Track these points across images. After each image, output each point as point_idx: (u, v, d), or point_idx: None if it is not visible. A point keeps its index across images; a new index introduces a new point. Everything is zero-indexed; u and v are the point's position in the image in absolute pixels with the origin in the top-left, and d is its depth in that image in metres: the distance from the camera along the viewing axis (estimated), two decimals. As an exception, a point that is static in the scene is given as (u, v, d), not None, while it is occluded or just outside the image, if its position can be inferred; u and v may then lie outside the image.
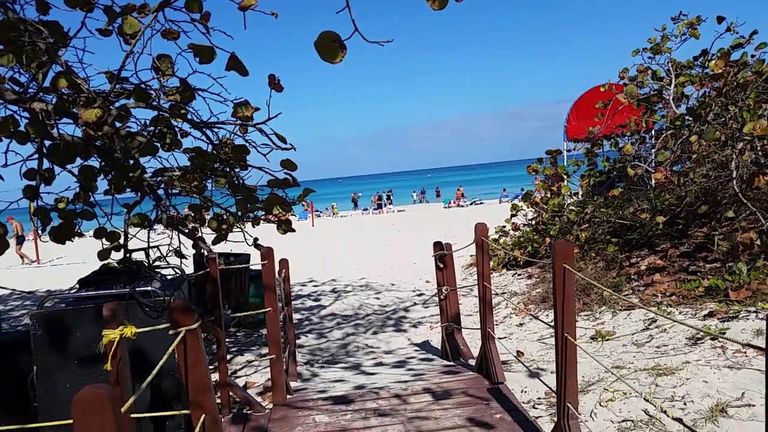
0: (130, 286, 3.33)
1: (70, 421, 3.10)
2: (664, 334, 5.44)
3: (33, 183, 5.38)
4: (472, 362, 5.36)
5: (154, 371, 2.15)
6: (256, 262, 7.44)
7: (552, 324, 5.95)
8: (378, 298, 9.87)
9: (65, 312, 3.23)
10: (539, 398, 4.48)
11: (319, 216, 40.07)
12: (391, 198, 45.92)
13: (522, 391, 4.60)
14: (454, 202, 40.66)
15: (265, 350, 7.10)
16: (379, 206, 43.44)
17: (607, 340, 5.69)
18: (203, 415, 2.51)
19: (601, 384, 4.48)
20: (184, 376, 2.55)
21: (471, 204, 39.83)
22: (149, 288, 3.36)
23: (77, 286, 3.64)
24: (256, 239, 6.26)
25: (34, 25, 4.59)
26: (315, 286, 11.51)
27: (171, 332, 2.48)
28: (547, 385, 4.30)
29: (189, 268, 6.50)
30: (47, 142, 5.25)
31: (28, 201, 5.50)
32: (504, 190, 41.95)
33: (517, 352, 5.67)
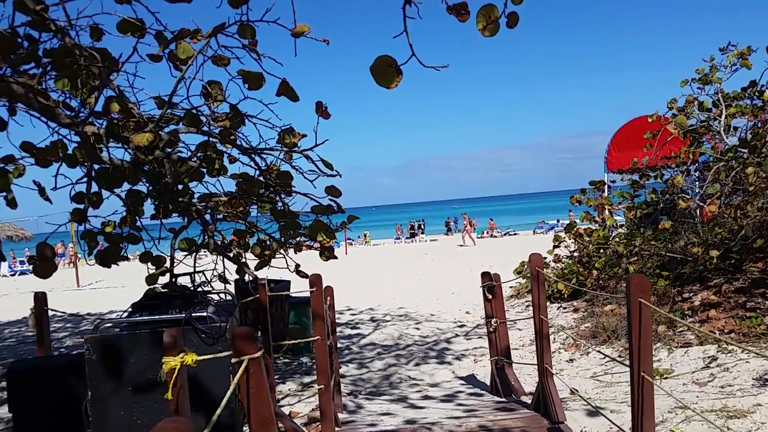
0: (186, 311, 3.26)
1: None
2: (727, 373, 5.16)
3: (81, 206, 5.40)
4: (525, 399, 5.15)
5: (224, 402, 2.05)
6: (296, 290, 7.38)
7: (609, 360, 5.72)
8: (418, 329, 9.68)
9: (120, 337, 3.17)
10: (600, 439, 4.26)
11: (351, 244, 40.04)
12: (423, 227, 45.67)
13: (581, 431, 4.38)
14: (487, 233, 40.29)
15: (306, 379, 6.98)
16: (412, 235, 43.27)
17: (666, 378, 5.44)
18: (265, 450, 2.40)
19: (665, 425, 4.24)
20: (246, 407, 2.44)
21: (504, 235, 39.40)
22: (205, 314, 3.29)
23: (130, 309, 3.59)
24: (297, 265, 6.20)
25: (88, 50, 4.64)
26: (352, 314, 11.38)
27: (234, 360, 2.39)
28: (615, 424, 4.07)
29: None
30: (96, 166, 5.28)
31: (70, 225, 5.51)
32: (542, 222, 41.33)
33: (571, 390, 5.44)
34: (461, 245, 31.34)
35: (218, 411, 1.95)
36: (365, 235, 44.41)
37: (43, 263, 4.73)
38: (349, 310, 11.80)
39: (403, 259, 25.76)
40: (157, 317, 3.34)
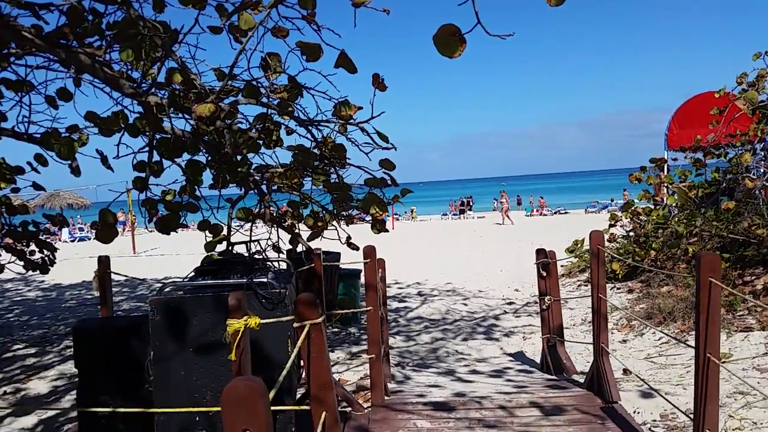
0: (246, 276, 3.33)
1: (191, 409, 3.11)
2: (791, 360, 4.99)
3: (143, 175, 5.54)
4: (576, 378, 5.10)
5: (288, 365, 2.10)
6: (346, 261, 7.46)
7: (664, 341, 5.59)
8: (465, 304, 9.67)
9: (184, 299, 3.26)
10: (654, 421, 4.19)
11: (398, 219, 40.11)
12: (471, 204, 45.32)
13: (634, 412, 4.31)
14: (537, 211, 39.72)
15: (355, 348, 7.09)
16: (462, 212, 43.04)
17: (723, 362, 5.28)
18: (324, 413, 2.44)
19: (723, 410, 4.13)
20: (306, 371, 2.49)
21: (555, 213, 38.74)
22: (265, 279, 3.35)
23: (192, 274, 3.70)
24: (348, 237, 6.25)
25: (151, 22, 4.71)
26: (400, 288, 11.44)
27: (296, 325, 2.43)
28: (673, 404, 3.99)
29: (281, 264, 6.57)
30: (158, 136, 5.39)
31: (127, 193, 5.68)
32: (596, 201, 40.43)
33: (623, 370, 5.35)
34: (499, 224, 31.20)
35: (283, 373, 1.99)
36: (412, 211, 44.35)
37: (106, 228, 4.87)
38: (397, 283, 11.86)
39: (451, 235, 25.68)
40: (219, 281, 3.43)
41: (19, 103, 5.57)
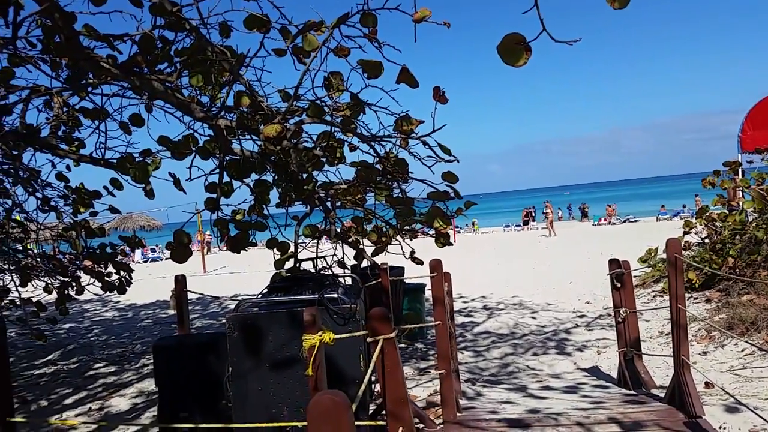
0: (319, 292, 3.39)
1: (270, 424, 3.16)
2: None
3: (214, 196, 5.72)
4: (656, 392, 4.90)
5: (366, 379, 2.11)
6: (409, 275, 7.46)
7: (748, 353, 5.31)
8: (534, 318, 9.47)
9: (259, 316, 3.34)
10: (744, 437, 3.97)
11: (459, 232, 39.81)
12: (534, 215, 44.56)
13: (720, 428, 4.10)
14: (605, 220, 38.60)
15: (422, 364, 7.04)
16: (525, 222, 42.41)
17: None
18: (401, 428, 2.44)
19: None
20: (381, 386, 2.50)
21: (624, 221, 37.53)
22: (336, 295, 3.39)
23: (266, 290, 3.78)
24: (413, 252, 6.24)
25: (219, 47, 4.88)
26: (465, 302, 11.32)
27: (369, 340, 2.45)
28: (765, 420, 3.78)
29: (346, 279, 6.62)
30: (227, 158, 5.56)
31: (197, 214, 5.85)
32: (662, 206, 39.00)
33: (706, 383, 5.11)
34: (545, 236, 30.59)
35: (362, 387, 2.00)
36: (473, 223, 43.95)
37: (181, 249, 5.03)
38: (461, 297, 11.73)
39: (515, 247, 25.29)
40: (292, 297, 3.49)
41: (96, 130, 5.86)
